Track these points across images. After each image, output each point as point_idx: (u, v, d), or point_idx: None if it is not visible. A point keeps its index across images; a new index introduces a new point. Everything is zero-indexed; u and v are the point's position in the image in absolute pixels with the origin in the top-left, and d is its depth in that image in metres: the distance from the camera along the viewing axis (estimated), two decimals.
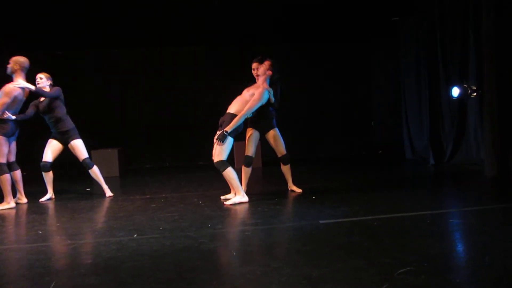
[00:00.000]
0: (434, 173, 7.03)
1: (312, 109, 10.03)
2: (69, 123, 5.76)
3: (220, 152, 4.89)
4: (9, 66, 5.41)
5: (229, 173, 4.90)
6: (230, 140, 4.90)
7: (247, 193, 5.40)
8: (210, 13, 8.35)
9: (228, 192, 5.32)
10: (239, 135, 5.51)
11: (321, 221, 3.99)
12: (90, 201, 5.62)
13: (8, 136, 5.32)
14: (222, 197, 5.28)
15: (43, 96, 5.60)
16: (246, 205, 4.88)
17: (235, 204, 4.90)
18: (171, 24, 8.57)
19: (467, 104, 7.10)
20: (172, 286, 2.63)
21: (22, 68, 5.41)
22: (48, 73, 6.01)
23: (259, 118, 5.36)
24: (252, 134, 5.39)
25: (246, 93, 5.13)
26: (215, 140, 4.92)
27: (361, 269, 2.75)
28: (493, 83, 5.85)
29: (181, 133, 9.83)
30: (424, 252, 2.98)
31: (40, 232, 4.11)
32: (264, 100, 5.08)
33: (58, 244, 3.70)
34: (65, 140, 5.76)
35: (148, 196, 5.77)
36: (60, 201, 5.62)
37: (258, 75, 5.29)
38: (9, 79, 5.41)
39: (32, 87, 5.40)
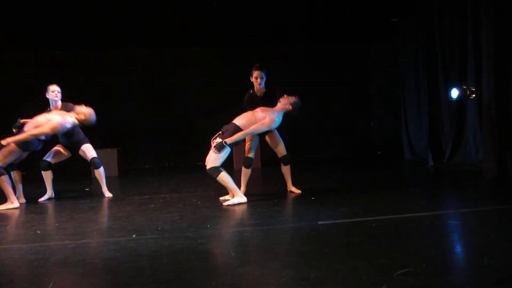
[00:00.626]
0: (433, 174, 7.04)
1: (311, 109, 10.00)
2: (80, 133, 5.82)
3: (214, 159, 4.88)
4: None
5: (223, 177, 4.88)
6: (227, 150, 4.90)
7: (246, 194, 5.40)
8: (209, 14, 8.36)
9: (227, 193, 5.32)
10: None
11: (320, 222, 3.99)
12: (89, 201, 5.61)
13: (24, 150, 5.38)
14: (221, 198, 5.28)
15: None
16: (245, 206, 4.88)
17: (234, 204, 4.90)
18: (170, 25, 8.58)
19: (466, 105, 7.10)
20: (171, 286, 2.63)
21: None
22: (47, 73, 6.05)
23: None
24: (251, 136, 5.39)
25: (260, 113, 5.04)
26: (212, 146, 4.91)
27: (360, 270, 2.75)
28: (492, 85, 5.85)
29: (181, 133, 9.83)
30: (423, 253, 2.98)
31: (39, 232, 4.11)
32: (272, 128, 5.15)
33: (57, 244, 3.69)
34: (74, 149, 5.84)
35: (147, 197, 5.77)
36: (59, 201, 5.61)
37: (260, 84, 5.31)
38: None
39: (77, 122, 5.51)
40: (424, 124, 8.20)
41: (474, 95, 6.71)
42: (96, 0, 7.64)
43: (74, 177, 7.65)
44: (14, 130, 5.46)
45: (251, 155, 5.41)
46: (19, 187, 5.64)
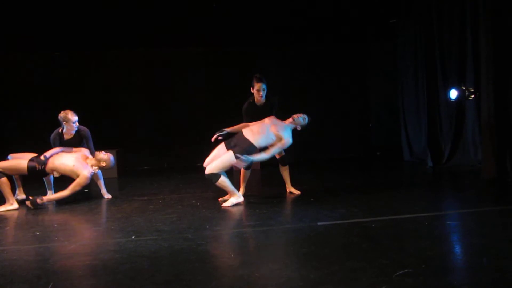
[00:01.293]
0: (432, 174, 7.04)
1: (310, 110, 9.99)
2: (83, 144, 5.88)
3: (217, 166, 4.85)
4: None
5: (222, 182, 4.90)
6: (232, 161, 4.85)
7: (246, 194, 5.41)
8: (208, 15, 8.36)
9: (226, 193, 5.32)
10: None
11: (319, 223, 3.99)
12: (88, 203, 5.61)
13: (29, 174, 5.44)
14: (220, 199, 5.28)
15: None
16: (245, 207, 4.88)
17: (232, 205, 4.90)
18: (169, 26, 8.58)
19: (465, 106, 7.12)
20: (170, 287, 2.63)
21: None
22: (46, 74, 6.03)
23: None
24: None
25: (273, 129, 5.04)
26: (233, 158, 4.81)
27: (359, 270, 2.75)
28: (491, 86, 5.86)
29: (180, 134, 9.84)
30: (422, 253, 2.99)
31: (38, 233, 4.10)
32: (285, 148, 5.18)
33: (56, 245, 3.69)
34: None
35: (146, 198, 5.77)
36: (58, 202, 5.60)
37: (261, 96, 5.33)
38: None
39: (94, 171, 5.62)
40: (423, 124, 8.21)
41: (473, 96, 6.72)
42: (95, 1, 7.64)
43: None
44: (37, 167, 5.36)
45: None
46: (19, 183, 5.70)
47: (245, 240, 3.66)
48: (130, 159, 9.43)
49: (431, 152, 7.65)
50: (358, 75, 10.30)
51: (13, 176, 5.59)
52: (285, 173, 5.58)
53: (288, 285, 2.57)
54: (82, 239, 3.87)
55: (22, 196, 5.71)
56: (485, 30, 5.91)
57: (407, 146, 8.85)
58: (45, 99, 9.03)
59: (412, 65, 8.63)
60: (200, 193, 5.93)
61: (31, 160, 5.36)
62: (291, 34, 9.35)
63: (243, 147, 4.88)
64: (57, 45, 9.04)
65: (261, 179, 7.35)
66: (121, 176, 8.29)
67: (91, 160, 5.62)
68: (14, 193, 5.51)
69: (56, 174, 5.55)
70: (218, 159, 4.90)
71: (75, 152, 5.65)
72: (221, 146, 5.13)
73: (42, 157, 5.40)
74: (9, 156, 5.59)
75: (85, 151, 5.71)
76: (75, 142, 5.74)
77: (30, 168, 5.33)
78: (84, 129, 5.75)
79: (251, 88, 5.37)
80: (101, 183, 5.93)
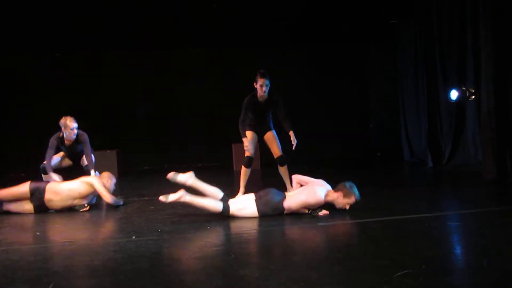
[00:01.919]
0: (432, 175, 7.04)
1: (310, 110, 10.04)
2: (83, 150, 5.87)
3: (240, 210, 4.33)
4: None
5: (234, 210, 4.33)
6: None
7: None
8: (208, 15, 8.36)
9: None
10: (237, 137, 5.51)
11: (319, 224, 3.99)
12: (88, 203, 5.59)
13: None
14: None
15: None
16: None
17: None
18: (169, 26, 8.58)
19: (465, 106, 7.12)
20: None
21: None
22: (45, 75, 6.02)
23: (258, 124, 5.41)
24: (251, 135, 5.43)
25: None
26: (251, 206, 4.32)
27: (360, 271, 2.75)
28: (491, 86, 5.86)
29: (180, 135, 9.84)
30: (422, 254, 2.99)
31: (38, 233, 4.10)
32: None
33: (56, 245, 3.69)
34: (76, 159, 5.95)
35: (146, 198, 5.76)
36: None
37: (264, 92, 5.27)
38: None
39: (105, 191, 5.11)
40: (423, 125, 8.21)
41: (473, 97, 6.72)
42: (96, 1, 7.64)
43: (73, 178, 7.64)
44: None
45: (251, 154, 5.43)
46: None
47: (245, 240, 3.66)
48: (131, 160, 9.44)
49: (431, 152, 7.66)
50: (358, 75, 10.31)
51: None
52: (284, 173, 5.58)
53: (288, 286, 2.56)
54: (82, 239, 3.87)
55: None
56: (485, 30, 5.91)
57: (407, 146, 8.86)
58: (45, 100, 9.03)
59: (412, 65, 8.63)
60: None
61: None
62: (291, 34, 9.35)
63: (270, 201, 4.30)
64: (57, 46, 9.05)
65: (262, 179, 7.35)
66: (121, 177, 8.29)
67: (94, 180, 5.14)
68: None
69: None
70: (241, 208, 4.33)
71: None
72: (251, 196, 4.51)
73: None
74: None
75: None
76: (76, 146, 5.79)
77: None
78: (83, 133, 5.74)
79: (254, 83, 5.37)
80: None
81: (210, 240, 3.66)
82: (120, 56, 9.65)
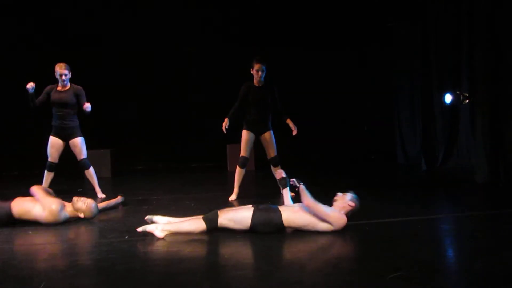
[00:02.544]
0: (426, 178, 7.07)
1: (305, 113, 10.04)
2: (76, 121, 5.77)
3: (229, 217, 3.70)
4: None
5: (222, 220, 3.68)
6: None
7: (240, 196, 5.42)
8: (205, 15, 8.36)
9: (230, 193, 5.34)
10: (232, 137, 5.52)
11: None
12: None
13: None
14: (230, 199, 5.35)
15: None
16: None
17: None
18: (164, 24, 8.56)
19: (459, 110, 7.16)
20: None
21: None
22: (41, 72, 5.98)
23: (257, 122, 5.41)
24: (247, 136, 5.42)
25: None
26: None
27: (352, 273, 2.76)
28: (485, 91, 5.90)
29: (174, 134, 9.82)
30: (415, 257, 3.00)
31: (30, 232, 4.08)
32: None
33: (48, 245, 3.67)
34: (65, 137, 5.73)
35: (140, 198, 5.75)
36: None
37: (260, 77, 5.32)
38: None
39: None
40: (418, 128, 8.25)
41: (467, 101, 6.76)
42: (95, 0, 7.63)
43: (67, 177, 7.61)
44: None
45: (246, 155, 5.44)
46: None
47: (238, 241, 3.65)
48: (124, 159, 9.40)
49: (425, 156, 7.69)
50: (354, 79, 10.33)
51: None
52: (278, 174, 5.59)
53: (281, 287, 2.57)
54: (75, 238, 3.85)
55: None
56: (480, 35, 5.95)
57: (402, 149, 8.89)
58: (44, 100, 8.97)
59: (408, 69, 8.68)
60: (194, 194, 5.92)
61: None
62: (287, 38, 9.36)
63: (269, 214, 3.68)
64: (51, 43, 9.00)
65: (256, 180, 7.35)
66: (115, 176, 8.26)
67: (68, 207, 4.37)
68: None
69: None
70: (235, 211, 3.80)
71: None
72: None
73: None
74: None
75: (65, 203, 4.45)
76: (66, 97, 5.68)
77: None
78: (79, 87, 5.75)
79: (251, 69, 5.40)
80: (95, 182, 5.90)
81: (204, 240, 3.65)
82: (114, 54, 9.61)
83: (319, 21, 8.71)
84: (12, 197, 4.39)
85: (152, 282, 2.71)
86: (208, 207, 4.91)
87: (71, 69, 5.83)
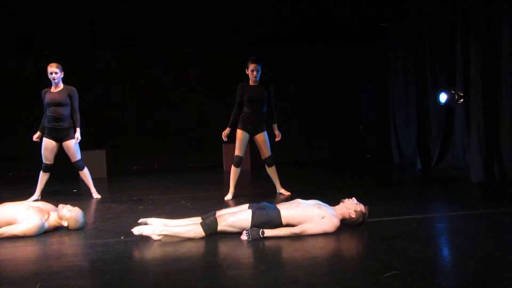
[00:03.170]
0: (421, 177, 7.09)
1: (300, 112, 10.08)
2: (70, 122, 5.73)
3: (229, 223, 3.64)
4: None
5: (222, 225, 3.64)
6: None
7: (235, 195, 5.42)
8: (201, 16, 8.34)
9: (226, 193, 5.33)
10: (228, 137, 5.52)
11: None
12: (76, 203, 5.53)
13: None
14: (226, 198, 5.37)
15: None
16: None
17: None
18: (161, 26, 8.55)
19: (454, 109, 7.18)
20: None
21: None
22: (36, 72, 5.96)
23: (252, 121, 5.42)
24: (242, 135, 5.44)
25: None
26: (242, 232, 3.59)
27: (348, 272, 2.77)
28: (480, 90, 5.93)
29: (170, 135, 9.82)
30: (410, 255, 3.01)
31: None
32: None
33: (43, 245, 3.66)
34: (59, 139, 5.71)
35: (135, 198, 5.74)
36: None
37: (255, 77, 5.36)
38: None
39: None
40: (413, 128, 8.27)
41: (462, 100, 6.79)
42: (94, 0, 7.58)
43: (62, 178, 7.58)
44: None
45: (241, 154, 5.45)
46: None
47: (234, 241, 3.65)
48: (120, 159, 9.39)
49: (420, 155, 7.71)
50: (349, 78, 10.36)
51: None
52: (273, 173, 5.61)
53: (277, 286, 2.57)
54: (70, 239, 3.84)
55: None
56: (474, 34, 5.97)
57: (397, 148, 8.91)
58: (30, 98, 8.94)
59: (403, 68, 8.70)
60: (190, 194, 5.92)
61: None
62: (282, 36, 9.36)
63: (268, 212, 3.67)
64: (49, 44, 8.96)
65: (251, 180, 7.36)
66: (111, 176, 8.24)
67: (52, 216, 4.05)
68: None
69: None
70: (234, 215, 3.68)
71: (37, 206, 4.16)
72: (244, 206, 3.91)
73: None
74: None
75: (49, 207, 4.24)
76: (59, 97, 5.64)
77: None
78: (72, 88, 5.75)
79: (246, 70, 5.44)
80: (90, 183, 5.89)
81: (200, 240, 3.65)
82: (110, 55, 9.60)
83: (316, 21, 8.71)
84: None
85: (148, 282, 2.71)
86: (204, 207, 4.93)
87: (63, 69, 5.79)
